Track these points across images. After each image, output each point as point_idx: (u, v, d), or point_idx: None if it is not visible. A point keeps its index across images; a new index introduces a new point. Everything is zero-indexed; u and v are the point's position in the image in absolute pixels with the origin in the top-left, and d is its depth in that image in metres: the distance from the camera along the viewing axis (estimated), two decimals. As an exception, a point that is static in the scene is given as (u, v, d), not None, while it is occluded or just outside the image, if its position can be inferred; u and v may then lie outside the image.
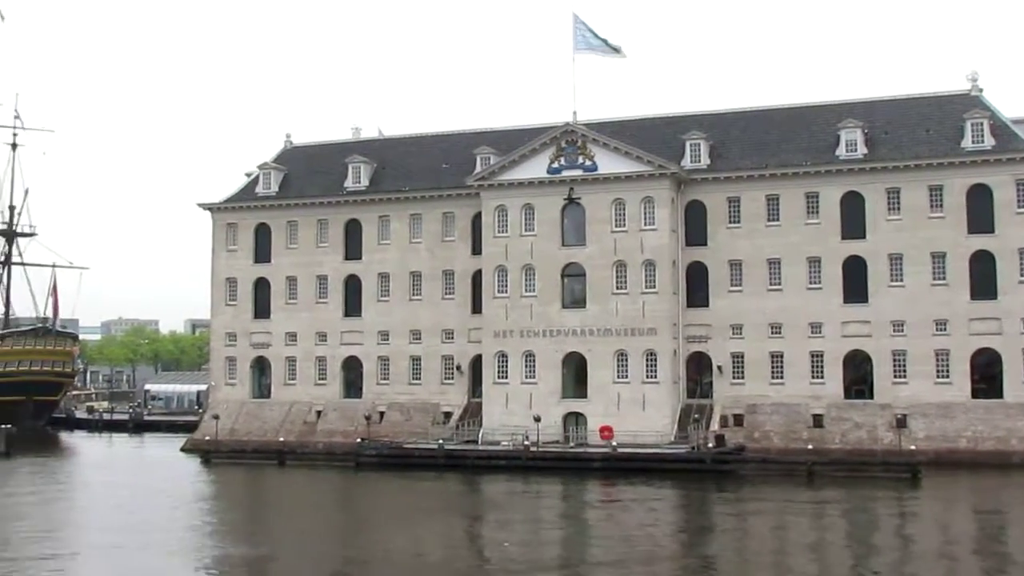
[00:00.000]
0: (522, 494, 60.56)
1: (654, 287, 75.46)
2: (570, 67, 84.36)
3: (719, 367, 75.44)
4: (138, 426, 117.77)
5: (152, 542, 41.55)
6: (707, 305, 76.55)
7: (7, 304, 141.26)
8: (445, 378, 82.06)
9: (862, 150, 74.76)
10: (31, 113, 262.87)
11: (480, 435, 76.46)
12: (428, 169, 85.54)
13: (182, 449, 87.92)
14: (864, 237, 73.63)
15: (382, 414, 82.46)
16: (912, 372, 71.50)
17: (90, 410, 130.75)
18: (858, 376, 73.00)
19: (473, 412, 79.29)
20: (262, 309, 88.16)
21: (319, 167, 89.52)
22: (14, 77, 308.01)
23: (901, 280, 72.66)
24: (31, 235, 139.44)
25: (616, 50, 76.92)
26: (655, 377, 74.65)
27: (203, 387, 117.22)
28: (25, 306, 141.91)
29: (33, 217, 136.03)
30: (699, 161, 77.90)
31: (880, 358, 72.37)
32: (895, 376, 72.01)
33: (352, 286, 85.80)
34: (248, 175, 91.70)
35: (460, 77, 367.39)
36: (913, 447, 67.42)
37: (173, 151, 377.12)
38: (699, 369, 76.42)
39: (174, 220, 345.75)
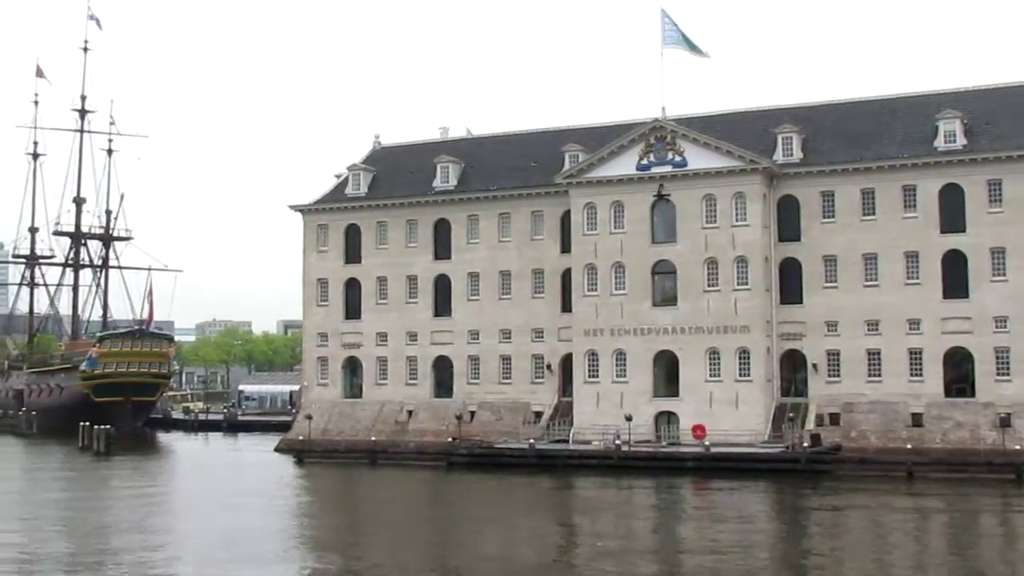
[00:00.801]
0: (614, 494, 60.06)
1: (746, 284, 74.46)
2: (658, 62, 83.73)
3: (814, 365, 74.15)
4: (232, 426, 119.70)
5: (249, 550, 41.81)
6: (801, 302, 75.30)
7: (105, 307, 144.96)
8: (535, 377, 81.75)
9: (961, 141, 72.86)
10: (125, 119, 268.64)
11: (571, 435, 76.10)
12: (516, 168, 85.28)
13: (276, 449, 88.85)
14: (964, 231, 71.74)
15: (473, 413, 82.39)
16: (1016, 370, 69.42)
17: (186, 411, 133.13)
18: (959, 374, 71.06)
19: (564, 411, 78.94)
20: (353, 309, 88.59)
21: (408, 167, 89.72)
22: (109, 83, 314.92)
23: (1004, 275, 70.58)
24: (127, 239, 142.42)
25: (701, 51, 76.13)
26: (748, 375, 73.67)
27: (295, 387, 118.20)
28: (122, 309, 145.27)
29: (129, 221, 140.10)
30: (791, 155, 76.65)
31: (982, 355, 70.38)
32: (998, 374, 69.84)
33: (442, 286, 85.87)
34: (338, 176, 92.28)
35: (547, 75, 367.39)
36: (1018, 447, 65.68)
37: (264, 154, 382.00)
38: (793, 367, 75.23)
39: (266, 222, 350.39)
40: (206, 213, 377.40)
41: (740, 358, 74.04)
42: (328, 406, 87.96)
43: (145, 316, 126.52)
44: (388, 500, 60.09)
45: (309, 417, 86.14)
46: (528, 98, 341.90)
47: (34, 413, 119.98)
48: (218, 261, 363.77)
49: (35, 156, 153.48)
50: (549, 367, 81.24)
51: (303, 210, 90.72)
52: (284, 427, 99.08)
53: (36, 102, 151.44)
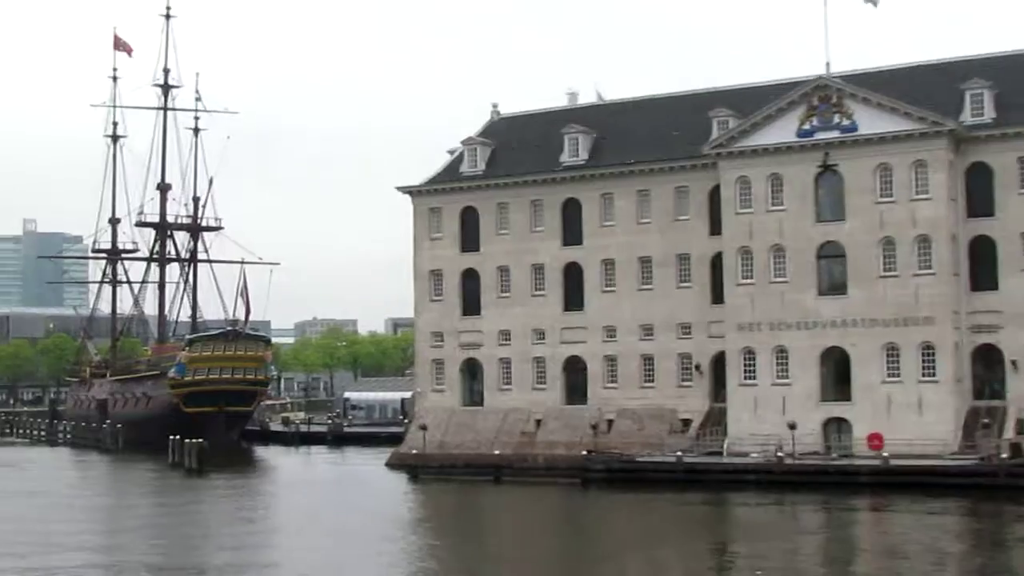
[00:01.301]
0: (777, 514, 59.51)
1: (930, 267, 73.07)
2: (820, 11, 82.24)
3: (1013, 362, 72.37)
4: (338, 439, 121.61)
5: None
6: (995, 288, 73.60)
7: (194, 306, 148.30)
8: (682, 380, 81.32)
9: None
10: (212, 94, 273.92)
11: (725, 446, 75.64)
12: (656, 137, 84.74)
13: (387, 464, 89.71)
14: None
15: (610, 422, 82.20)
16: None
17: (285, 421, 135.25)
18: None
19: (716, 419, 78.37)
20: (471, 304, 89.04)
21: (531, 140, 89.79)
22: (194, 55, 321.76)
23: None
24: (217, 229, 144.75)
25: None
26: (933, 375, 72.29)
27: (408, 394, 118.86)
28: (213, 307, 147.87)
29: (218, 209, 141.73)
30: (982, 115, 74.94)
31: None
32: None
33: (572, 275, 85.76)
34: (451, 152, 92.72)
35: (690, 28, 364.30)
36: None
37: (367, 129, 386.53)
38: (988, 365, 73.52)
39: (371, 207, 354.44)
40: (303, 198, 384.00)
41: (923, 355, 72.69)
42: (445, 415, 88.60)
43: (239, 315, 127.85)
44: (516, 524, 60.31)
45: (423, 428, 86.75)
46: (669, 56, 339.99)
47: (119, 425, 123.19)
48: (318, 253, 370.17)
49: (114, 138, 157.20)
50: (698, 368, 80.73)
51: (413, 192, 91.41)
52: (395, 439, 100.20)
53: (115, 77, 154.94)
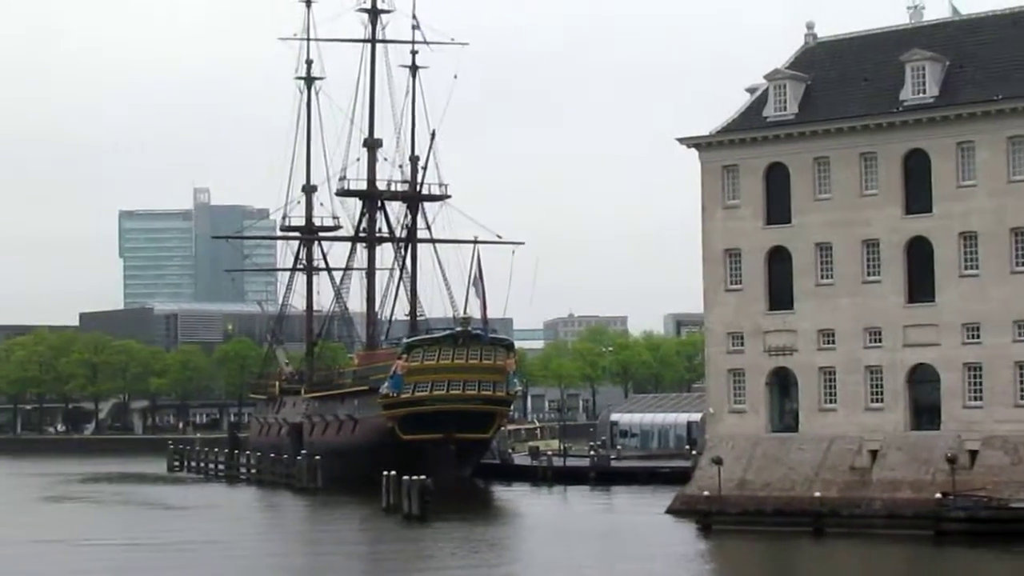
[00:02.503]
0: None
1: None
2: None
3: None
4: (602, 476, 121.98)
5: None
6: None
7: (413, 299, 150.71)
8: (1076, 396, 80.00)
9: None
10: (432, 21, 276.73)
11: None
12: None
13: (669, 511, 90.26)
14: None
15: (974, 454, 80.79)
16: None
17: (533, 452, 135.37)
18: None
19: (1126, 450, 76.72)
20: (780, 295, 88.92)
21: (859, 71, 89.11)
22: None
23: None
24: (442, 198, 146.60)
25: None
26: None
27: (696, 416, 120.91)
28: (438, 302, 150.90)
29: (442, 171, 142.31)
30: None
31: None
32: None
33: (918, 254, 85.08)
34: (751, 91, 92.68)
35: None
36: None
37: (633, 64, 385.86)
38: None
39: (641, 167, 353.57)
40: (545, 157, 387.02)
41: None
42: (747, 445, 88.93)
43: (472, 312, 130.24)
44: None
45: (718, 462, 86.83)
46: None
47: (317, 457, 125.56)
48: (573, 229, 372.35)
49: (308, 81, 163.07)
50: (1100, 380, 79.11)
51: (700, 144, 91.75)
52: (680, 477, 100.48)
53: (308, 2, 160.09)
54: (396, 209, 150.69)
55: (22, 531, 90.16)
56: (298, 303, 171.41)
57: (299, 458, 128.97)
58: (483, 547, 79.54)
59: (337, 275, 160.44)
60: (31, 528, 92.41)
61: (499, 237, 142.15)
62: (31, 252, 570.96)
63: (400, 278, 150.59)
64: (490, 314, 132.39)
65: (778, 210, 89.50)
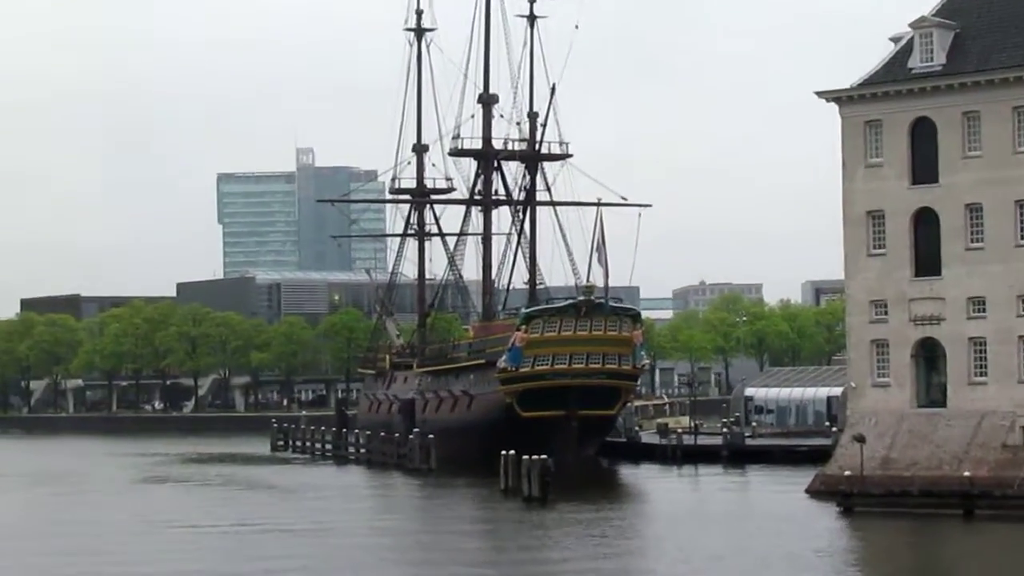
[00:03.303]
0: None
1: None
2: None
3: None
4: (736, 455, 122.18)
5: None
6: None
7: (533, 266, 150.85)
8: None
9: None
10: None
11: None
12: None
13: (808, 491, 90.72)
14: None
15: None
16: None
17: (662, 430, 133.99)
18: None
19: None
20: (928, 260, 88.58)
21: (1012, 19, 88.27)
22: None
23: None
24: (563, 157, 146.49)
25: None
26: None
27: (836, 390, 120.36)
28: (558, 269, 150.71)
29: (563, 129, 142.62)
30: None
31: None
32: None
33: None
34: (895, 40, 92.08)
35: None
36: None
37: (771, 13, 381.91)
38: None
39: (781, 122, 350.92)
40: (674, 113, 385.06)
41: None
42: (891, 421, 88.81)
43: (595, 280, 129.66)
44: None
45: (860, 439, 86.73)
46: None
47: (431, 436, 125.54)
48: (700, 189, 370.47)
49: (419, 33, 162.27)
50: None
51: (840, 98, 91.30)
52: (819, 456, 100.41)
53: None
54: (513, 169, 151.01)
55: (129, 514, 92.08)
56: (409, 271, 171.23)
57: (411, 437, 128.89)
58: (610, 531, 79.70)
59: (451, 241, 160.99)
60: (137, 511, 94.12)
61: (624, 199, 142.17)
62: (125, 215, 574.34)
63: (518, 243, 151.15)
64: (615, 282, 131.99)
65: (924, 169, 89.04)
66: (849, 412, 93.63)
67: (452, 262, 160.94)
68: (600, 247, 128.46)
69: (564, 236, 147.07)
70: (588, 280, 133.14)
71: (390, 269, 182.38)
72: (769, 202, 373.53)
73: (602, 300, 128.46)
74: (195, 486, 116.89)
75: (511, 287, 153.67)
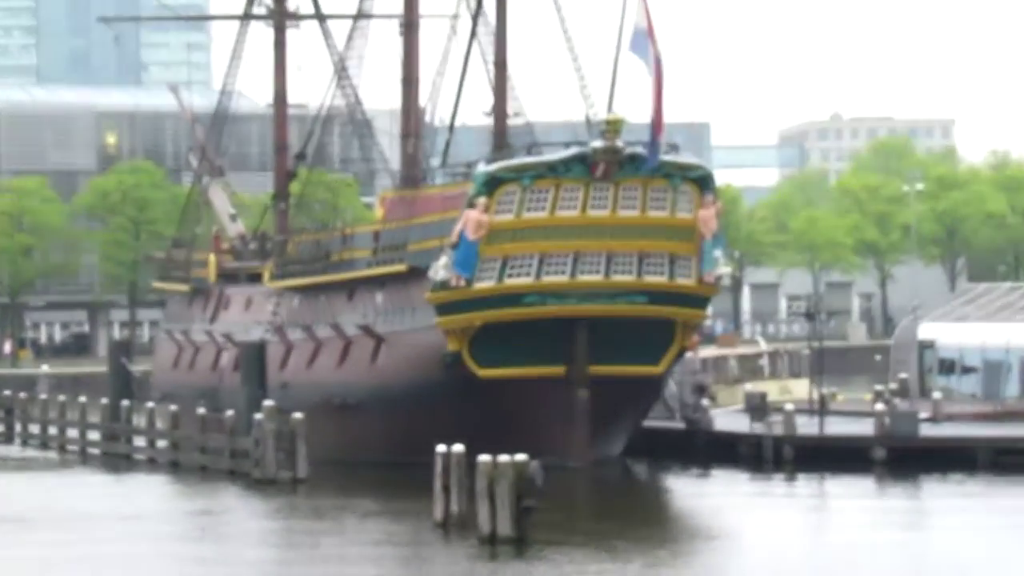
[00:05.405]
0: None
1: None
2: None
3: None
4: (903, 455, 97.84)
5: None
6: None
7: (501, 78, 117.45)
8: None
9: None
10: None
11: None
12: None
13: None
14: None
15: None
16: None
17: (757, 406, 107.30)
18: None
19: None
20: None
21: None
22: None
23: None
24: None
25: None
26: None
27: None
28: (549, 89, 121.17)
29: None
30: None
31: None
32: None
33: None
34: None
35: None
36: None
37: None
38: None
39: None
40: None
41: None
42: None
43: (630, 111, 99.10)
44: None
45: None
46: None
47: (298, 417, 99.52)
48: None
49: None
50: None
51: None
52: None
53: None
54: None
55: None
56: (256, 92, 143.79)
57: (259, 418, 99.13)
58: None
59: (338, 30, 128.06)
60: None
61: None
62: None
63: (473, 34, 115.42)
64: (670, 116, 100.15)
65: None
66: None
67: (342, 71, 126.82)
68: (640, 38, 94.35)
69: (562, 19, 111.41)
70: (610, 108, 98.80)
71: (218, 86, 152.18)
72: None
73: (639, 149, 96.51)
74: None
75: (458, 122, 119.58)
